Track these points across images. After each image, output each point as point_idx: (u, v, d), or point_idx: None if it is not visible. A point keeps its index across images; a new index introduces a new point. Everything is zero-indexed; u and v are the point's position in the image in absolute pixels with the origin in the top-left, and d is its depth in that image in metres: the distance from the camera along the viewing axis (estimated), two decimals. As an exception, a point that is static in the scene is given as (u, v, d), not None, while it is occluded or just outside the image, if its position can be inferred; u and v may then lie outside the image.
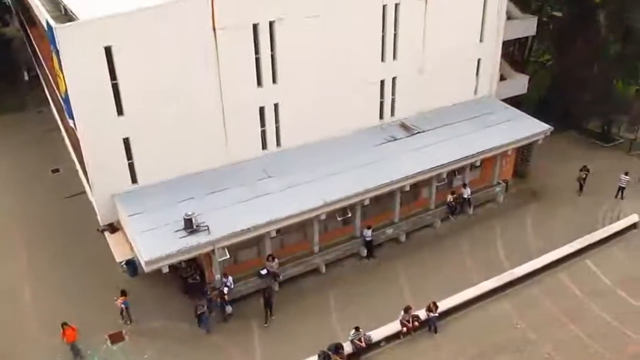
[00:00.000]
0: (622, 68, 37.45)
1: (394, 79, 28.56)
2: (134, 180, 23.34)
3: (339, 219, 25.82)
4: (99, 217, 24.00)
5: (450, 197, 29.38)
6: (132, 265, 25.02)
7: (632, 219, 29.05)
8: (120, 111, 21.86)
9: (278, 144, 26.28)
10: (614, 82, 38.69)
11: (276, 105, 25.48)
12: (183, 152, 23.64)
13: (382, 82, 28.40)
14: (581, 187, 31.61)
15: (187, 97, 22.89)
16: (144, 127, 22.44)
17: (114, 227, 25.36)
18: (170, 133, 23.05)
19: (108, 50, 20.73)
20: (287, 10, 23.86)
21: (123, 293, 22.88)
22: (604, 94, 36.16)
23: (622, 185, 31.15)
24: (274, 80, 24.91)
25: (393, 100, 29.12)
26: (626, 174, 31.23)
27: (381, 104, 28.87)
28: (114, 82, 21.26)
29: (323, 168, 25.48)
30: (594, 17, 36.08)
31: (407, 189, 26.63)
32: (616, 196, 31.31)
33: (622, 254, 27.32)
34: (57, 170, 34.23)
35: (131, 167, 23.08)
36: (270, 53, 24.31)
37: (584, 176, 31.14)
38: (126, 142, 22.53)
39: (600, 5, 35.48)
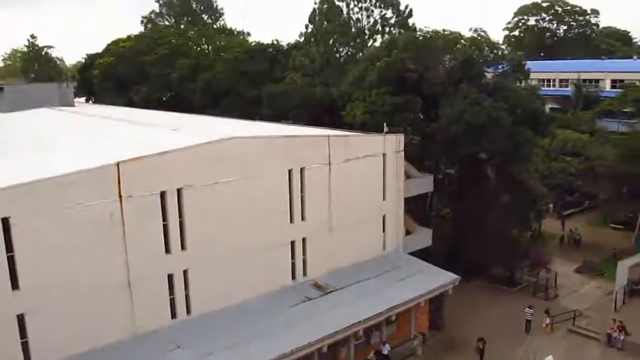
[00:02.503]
0: (514, 216, 40.31)
1: (303, 239, 29.05)
2: (27, 360, 21.30)
3: (255, 388, 24.38)
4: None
5: (371, 355, 28.80)
6: None
7: (548, 360, 29.57)
8: (15, 285, 20.46)
9: (188, 311, 25.23)
10: (509, 229, 41.30)
11: (185, 272, 24.90)
12: (86, 325, 22.05)
13: (293, 243, 28.78)
14: (480, 358, 30.98)
15: (90, 268, 21.92)
16: (42, 301, 20.97)
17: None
18: (72, 306, 21.62)
19: (5, 222, 19.91)
20: (195, 177, 24.38)
21: None
22: (502, 241, 38.36)
23: (529, 318, 33.67)
24: (183, 247, 24.62)
25: (304, 260, 29.32)
26: (530, 307, 34.07)
27: (293, 264, 28.96)
28: (10, 254, 20.16)
29: (236, 334, 24.48)
30: (484, 172, 39.42)
31: (325, 349, 25.91)
32: (527, 331, 33.35)
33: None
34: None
35: (25, 346, 21.05)
36: (178, 219, 24.30)
37: (481, 346, 30.89)
38: (20, 318, 20.83)
39: (487, 161, 38.98)
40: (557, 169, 50.54)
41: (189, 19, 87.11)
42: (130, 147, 26.75)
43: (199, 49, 66.96)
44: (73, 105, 55.24)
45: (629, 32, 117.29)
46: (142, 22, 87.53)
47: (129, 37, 71.51)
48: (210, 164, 24.90)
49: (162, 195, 23.63)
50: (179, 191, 24.05)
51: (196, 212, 24.62)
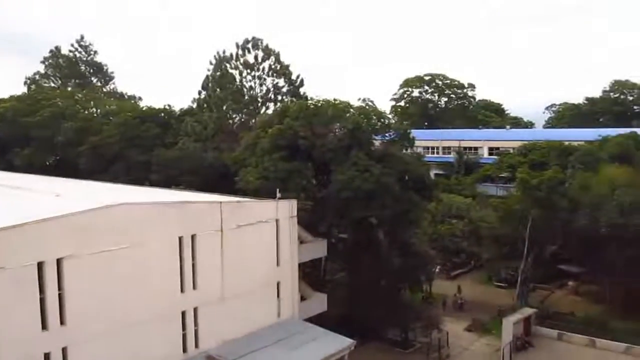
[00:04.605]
0: (406, 278, 41.42)
1: (195, 309, 27.96)
2: None
3: None
4: None
5: None
6: None
7: None
8: None
9: (67, 394, 23.22)
10: (402, 292, 42.29)
11: (65, 350, 22.92)
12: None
13: (184, 313, 27.59)
14: None
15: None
16: None
17: None
18: None
19: None
20: (78, 246, 22.94)
21: None
22: (395, 304, 39.15)
23: None
24: (62, 322, 22.79)
25: (196, 331, 28.06)
26: None
27: (184, 336, 27.61)
28: None
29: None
30: (375, 236, 40.42)
31: None
32: None
33: None
34: None
35: None
36: (57, 292, 22.57)
37: None
38: None
39: (378, 226, 40.08)
40: (443, 232, 52.89)
41: (77, 81, 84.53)
42: (6, 214, 24.90)
43: (86, 112, 64.84)
44: (-59, 170, 51.08)
45: (501, 105, 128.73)
46: (25, 82, 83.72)
47: (10, 97, 67.99)
48: (94, 232, 23.58)
49: (40, 266, 21.98)
50: (59, 261, 22.48)
51: (78, 283, 23.01)
